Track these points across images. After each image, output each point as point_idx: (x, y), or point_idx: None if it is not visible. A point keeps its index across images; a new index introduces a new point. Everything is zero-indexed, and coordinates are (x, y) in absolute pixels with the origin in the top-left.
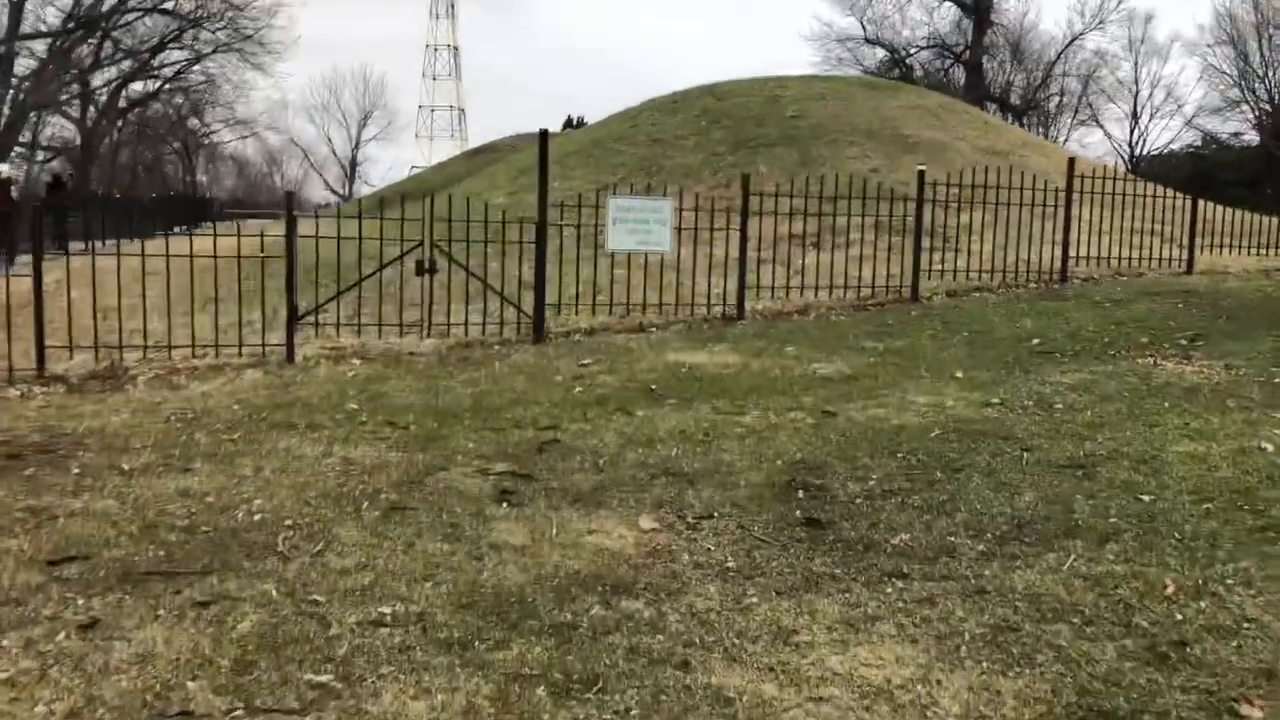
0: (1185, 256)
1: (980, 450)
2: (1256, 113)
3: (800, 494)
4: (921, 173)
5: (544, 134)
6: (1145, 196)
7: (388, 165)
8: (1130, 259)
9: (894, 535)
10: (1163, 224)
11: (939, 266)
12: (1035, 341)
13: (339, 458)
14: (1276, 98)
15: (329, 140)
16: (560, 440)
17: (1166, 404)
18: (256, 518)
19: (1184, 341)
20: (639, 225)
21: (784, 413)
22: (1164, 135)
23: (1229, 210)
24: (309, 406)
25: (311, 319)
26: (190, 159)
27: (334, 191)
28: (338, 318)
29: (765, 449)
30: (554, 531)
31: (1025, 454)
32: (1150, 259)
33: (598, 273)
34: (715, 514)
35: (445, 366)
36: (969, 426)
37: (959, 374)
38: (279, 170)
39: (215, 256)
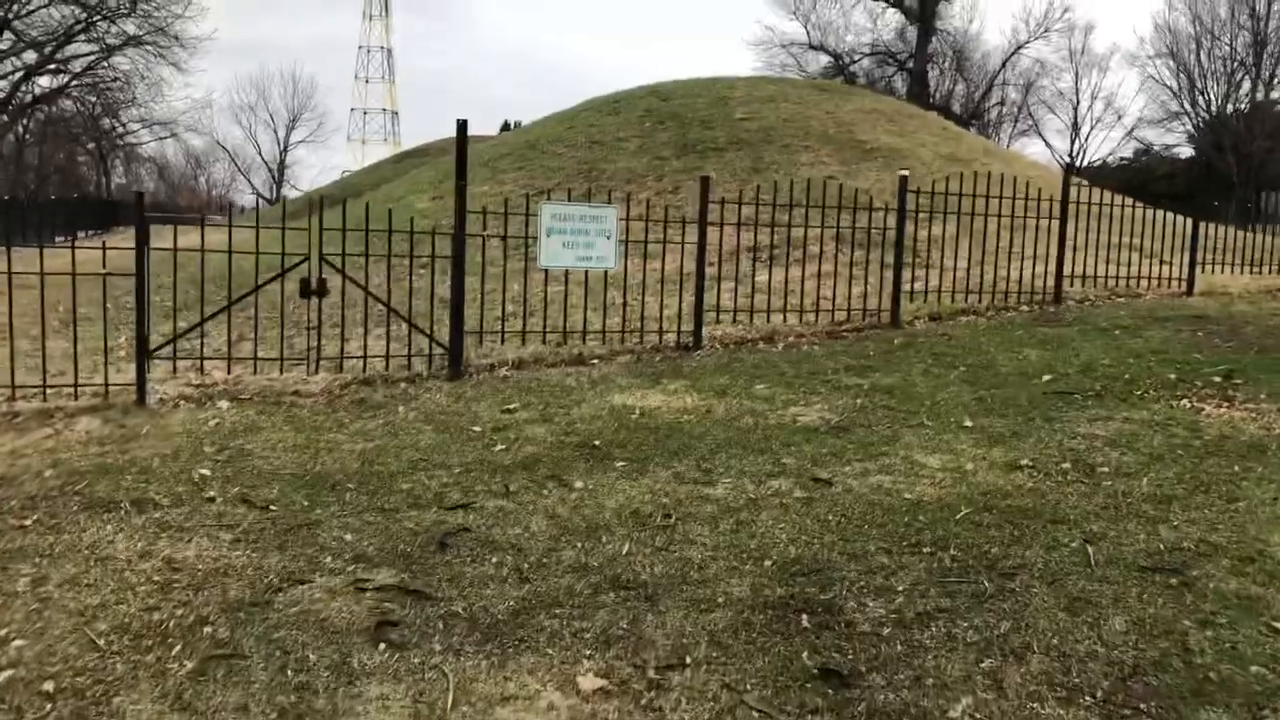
0: (1183, 276)
1: (1030, 541)
2: (1195, 123)
3: (804, 619)
4: (904, 179)
5: (462, 126)
6: (1128, 208)
7: (317, 169)
8: (1124, 279)
9: (952, 702)
10: (1152, 240)
11: (916, 286)
12: (1046, 378)
13: (162, 559)
14: (1215, 109)
15: (256, 143)
16: (471, 529)
17: (1236, 468)
18: (3, 675)
19: (1218, 379)
20: (578, 237)
21: (764, 480)
22: (1105, 146)
23: (1216, 226)
24: (145, 472)
25: (183, 349)
26: (104, 160)
27: (260, 195)
28: (201, 349)
29: (746, 540)
30: (449, 702)
31: (1089, 547)
32: (1145, 279)
33: (529, 292)
34: (687, 660)
35: (335, 412)
36: (1003, 502)
37: (968, 422)
38: (204, 173)
39: (74, 273)
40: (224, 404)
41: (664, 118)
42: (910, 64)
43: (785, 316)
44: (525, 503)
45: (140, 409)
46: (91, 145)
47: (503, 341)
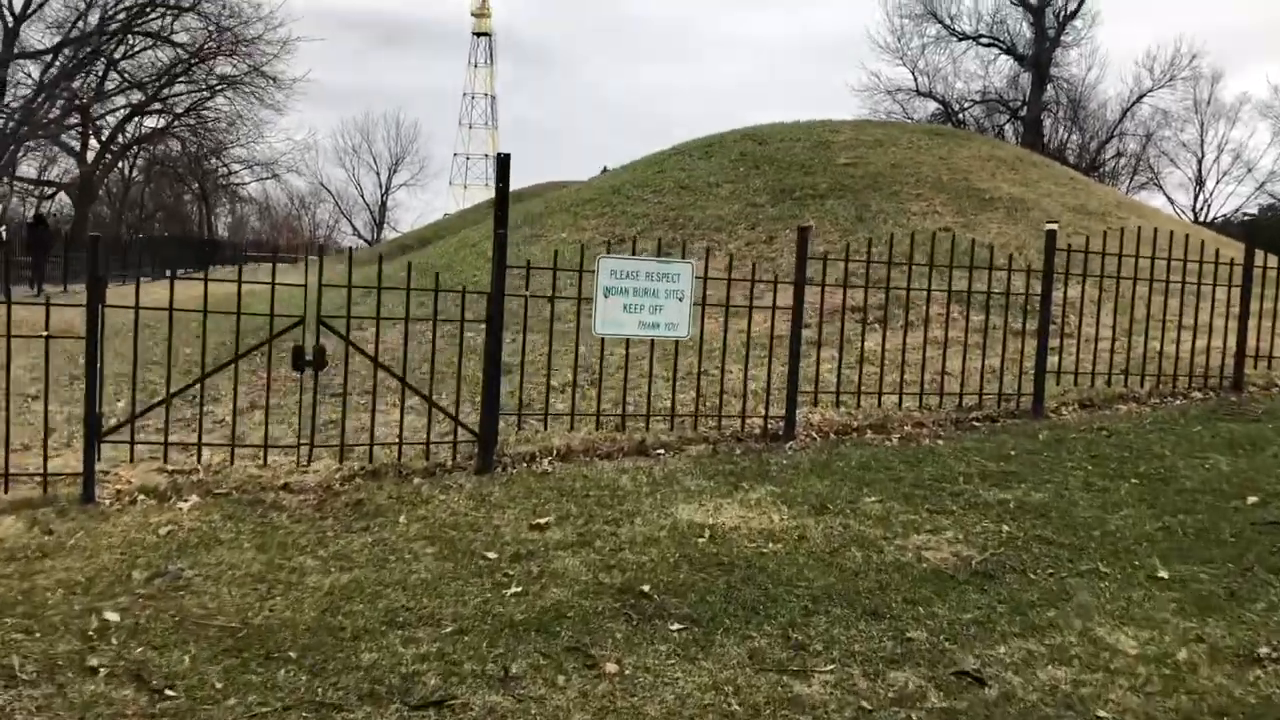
0: None
1: None
2: None
3: None
4: (1052, 234)
5: (503, 161)
6: None
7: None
8: None
9: None
10: None
11: (1056, 360)
12: (1252, 500)
13: None
14: None
15: (358, 185)
16: None
17: None
18: None
19: None
20: (643, 299)
21: (882, 670)
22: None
23: None
24: (33, 614)
25: (154, 430)
26: (207, 200)
27: (361, 237)
28: (165, 432)
29: None
30: None
31: None
32: None
33: (581, 362)
34: None
35: (321, 519)
36: None
37: (1161, 570)
38: (308, 213)
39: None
40: (187, 503)
41: (759, 161)
42: (1023, 112)
43: (900, 399)
44: (529, 699)
45: (84, 506)
46: (195, 185)
47: (547, 426)
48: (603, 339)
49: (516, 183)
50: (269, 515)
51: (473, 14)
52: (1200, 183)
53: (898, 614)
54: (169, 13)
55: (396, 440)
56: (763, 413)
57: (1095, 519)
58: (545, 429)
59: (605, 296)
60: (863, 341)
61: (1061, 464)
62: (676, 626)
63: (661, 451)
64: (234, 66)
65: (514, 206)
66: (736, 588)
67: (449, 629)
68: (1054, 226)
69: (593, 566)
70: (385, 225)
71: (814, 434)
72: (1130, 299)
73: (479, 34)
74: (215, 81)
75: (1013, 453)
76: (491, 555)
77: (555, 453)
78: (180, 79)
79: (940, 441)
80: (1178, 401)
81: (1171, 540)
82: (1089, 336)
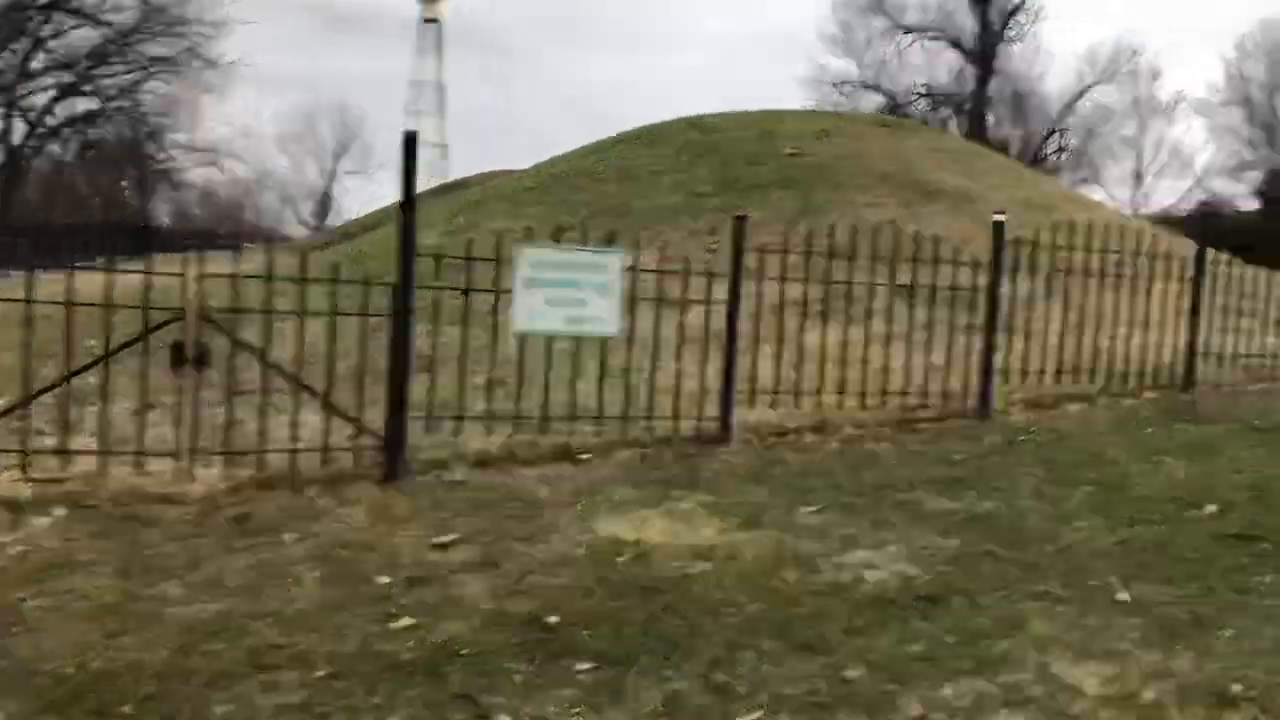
0: None
1: None
2: (1266, 175)
3: None
4: (1000, 225)
5: (409, 138)
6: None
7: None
8: (1263, 357)
9: None
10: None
11: (1005, 358)
12: (1210, 509)
13: None
14: None
15: (302, 172)
16: None
17: None
18: None
19: None
20: (567, 291)
21: (816, 716)
22: (1168, 196)
23: None
24: None
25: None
26: (144, 186)
27: (306, 225)
28: (28, 433)
29: None
30: None
31: None
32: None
33: (502, 359)
34: None
35: (201, 536)
36: None
37: (1120, 593)
38: (251, 202)
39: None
40: (48, 519)
41: (703, 151)
42: (968, 105)
43: (842, 400)
44: None
45: None
46: (133, 171)
47: (462, 429)
48: (524, 336)
49: (463, 171)
50: (140, 533)
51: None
52: (1139, 178)
53: (835, 647)
54: None
55: (292, 447)
56: (696, 414)
57: (1048, 531)
58: (461, 433)
59: (526, 289)
60: (801, 337)
61: (1011, 469)
62: (585, 666)
63: (588, 457)
64: (168, 48)
65: (455, 195)
66: (657, 617)
67: (321, 672)
68: (1002, 217)
69: (497, 593)
70: (331, 213)
71: (751, 437)
72: (1081, 294)
73: (428, 19)
74: (148, 63)
75: (959, 457)
76: (384, 580)
77: (471, 459)
78: (112, 60)
79: (883, 445)
80: (1129, 401)
81: (1129, 556)
82: (1037, 332)
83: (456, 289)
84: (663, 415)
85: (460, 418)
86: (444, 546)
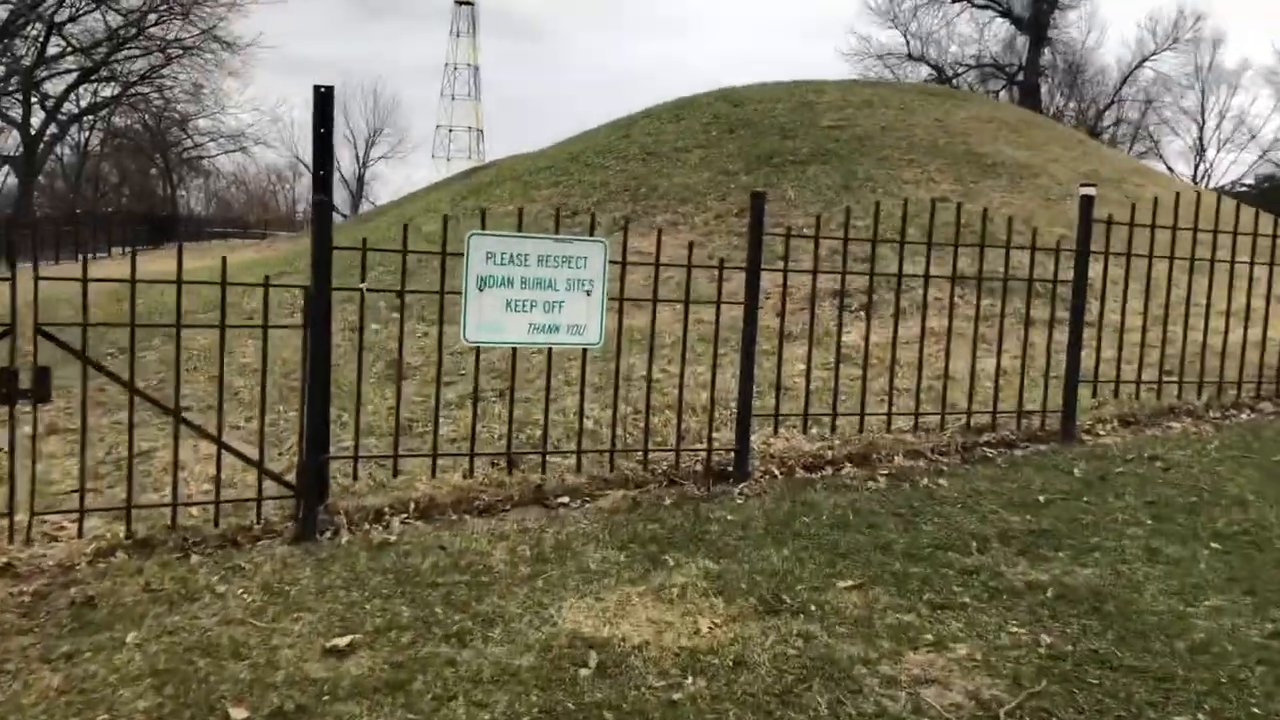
0: None
1: None
2: None
3: None
4: (1088, 200)
5: (323, 95)
6: None
7: (396, 186)
8: None
9: None
10: None
11: (1091, 366)
12: None
13: None
14: None
15: (335, 158)
16: None
17: None
18: None
19: None
20: (535, 292)
21: None
22: (1233, 170)
23: None
24: None
25: None
26: (170, 174)
27: (339, 211)
28: None
29: None
30: None
31: None
32: None
33: (452, 378)
34: None
35: (27, 630)
36: None
37: None
38: (285, 188)
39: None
40: None
41: (734, 125)
42: (1019, 77)
43: (890, 418)
44: None
45: None
46: (158, 158)
47: (395, 472)
48: (478, 348)
49: (497, 154)
50: None
51: None
52: (1201, 151)
53: None
54: None
55: (172, 501)
56: (705, 441)
57: (1173, 618)
58: (401, 472)
59: (480, 290)
60: (839, 338)
61: (1110, 516)
62: None
63: (565, 501)
64: (185, 31)
65: (467, 180)
66: None
67: None
68: (1091, 191)
69: None
70: (364, 199)
71: (774, 469)
72: (1166, 281)
73: (461, 2)
74: (164, 46)
75: (1042, 498)
76: (239, 716)
77: (413, 506)
78: (130, 44)
79: (943, 481)
80: (1244, 416)
81: None
82: (1120, 328)
83: (385, 289)
84: (662, 445)
85: (394, 457)
86: (340, 653)
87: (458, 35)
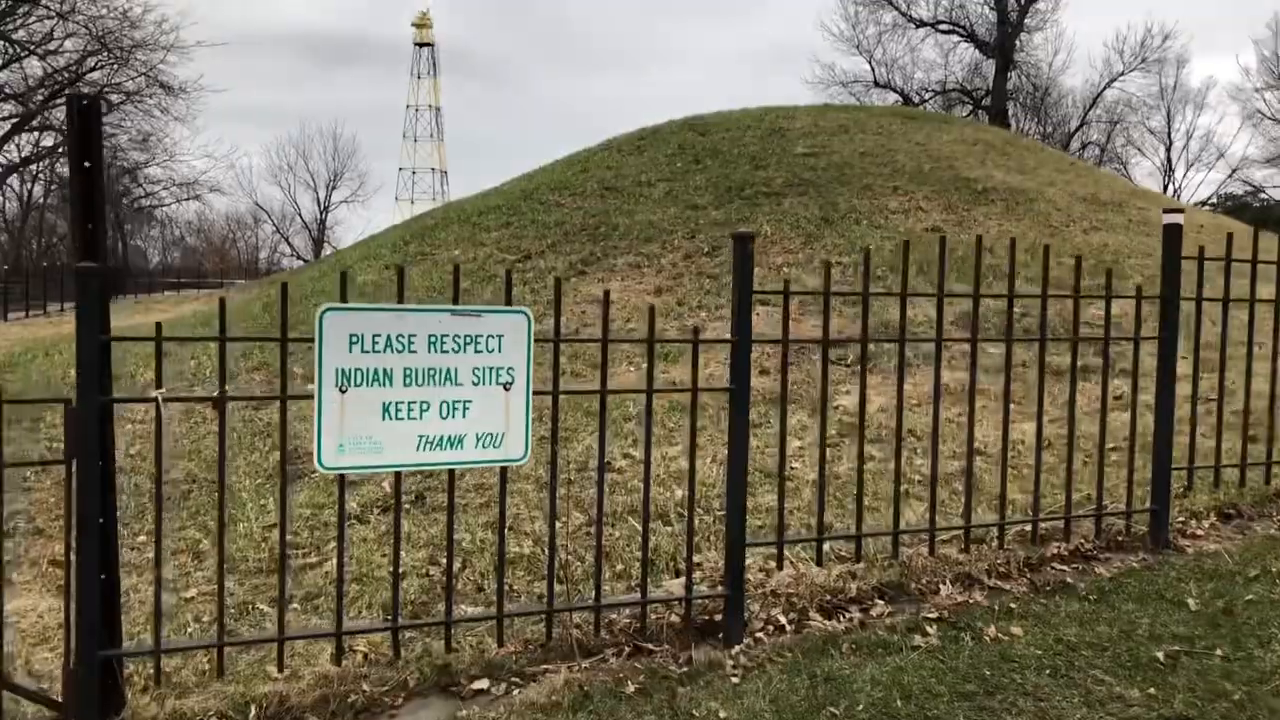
0: None
1: None
2: None
3: None
4: (1174, 229)
5: (84, 107)
6: None
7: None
8: None
9: None
10: None
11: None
12: None
13: None
14: None
15: (295, 203)
16: None
17: None
18: None
19: None
20: (425, 390)
21: None
22: (1202, 190)
23: None
24: None
25: None
26: (121, 225)
27: (300, 257)
28: None
29: None
30: None
31: None
32: None
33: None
34: None
35: None
36: None
37: None
38: (247, 235)
39: None
40: None
41: (701, 155)
42: (987, 101)
43: (933, 543)
44: None
45: None
46: (110, 209)
47: (220, 668)
48: (341, 477)
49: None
50: None
51: (414, 24)
52: (1170, 171)
53: None
54: (34, 19)
55: None
56: (681, 585)
57: None
58: (218, 674)
59: (341, 391)
60: (861, 419)
61: (1255, 675)
62: None
63: (484, 686)
64: (127, 78)
65: (410, 225)
66: None
67: None
68: (1178, 219)
69: None
70: (326, 243)
71: (779, 615)
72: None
73: (420, 44)
74: (103, 93)
75: (1160, 654)
76: None
77: (253, 714)
78: (67, 92)
79: (1015, 630)
80: None
81: None
82: (1202, 392)
83: (191, 399)
84: (626, 564)
85: (218, 647)
86: None
87: (419, 77)
